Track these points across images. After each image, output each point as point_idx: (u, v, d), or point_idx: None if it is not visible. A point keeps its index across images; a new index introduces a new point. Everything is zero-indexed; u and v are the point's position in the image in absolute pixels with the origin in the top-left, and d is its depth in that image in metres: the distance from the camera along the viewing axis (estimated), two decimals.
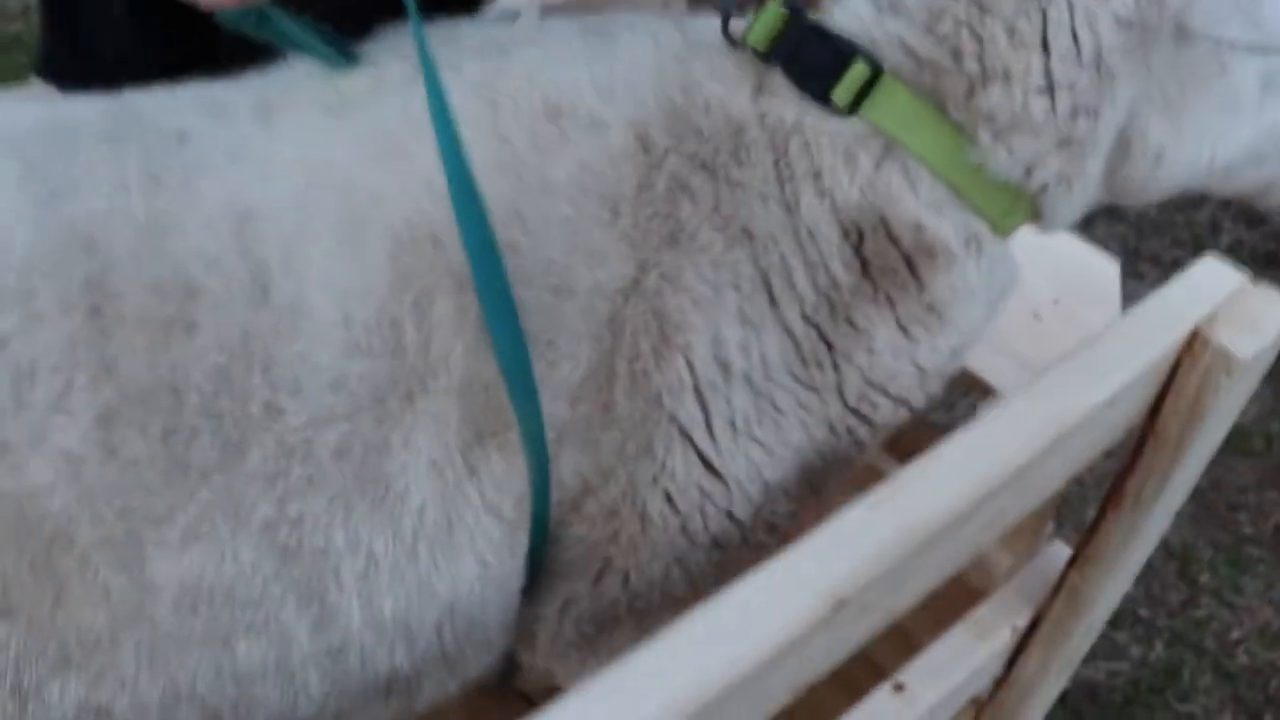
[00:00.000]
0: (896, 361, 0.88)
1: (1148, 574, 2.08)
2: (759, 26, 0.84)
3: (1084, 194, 0.89)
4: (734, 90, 0.84)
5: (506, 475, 0.81)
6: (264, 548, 0.75)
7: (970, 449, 0.75)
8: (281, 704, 0.80)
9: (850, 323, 0.86)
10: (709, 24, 0.88)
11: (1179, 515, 2.16)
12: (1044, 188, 0.85)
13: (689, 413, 0.84)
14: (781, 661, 0.65)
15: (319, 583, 0.78)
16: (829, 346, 0.86)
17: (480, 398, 0.79)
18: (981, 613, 1.15)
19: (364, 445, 0.77)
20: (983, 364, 1.21)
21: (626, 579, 0.89)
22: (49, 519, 0.68)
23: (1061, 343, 1.09)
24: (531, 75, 0.84)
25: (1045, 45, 0.80)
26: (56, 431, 0.68)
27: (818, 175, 0.82)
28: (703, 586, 0.92)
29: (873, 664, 1.09)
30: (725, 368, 0.84)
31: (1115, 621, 2.00)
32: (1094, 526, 1.05)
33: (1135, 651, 1.96)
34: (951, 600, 1.17)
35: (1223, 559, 2.13)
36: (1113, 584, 1.10)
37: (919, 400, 0.92)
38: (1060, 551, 1.17)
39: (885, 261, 0.84)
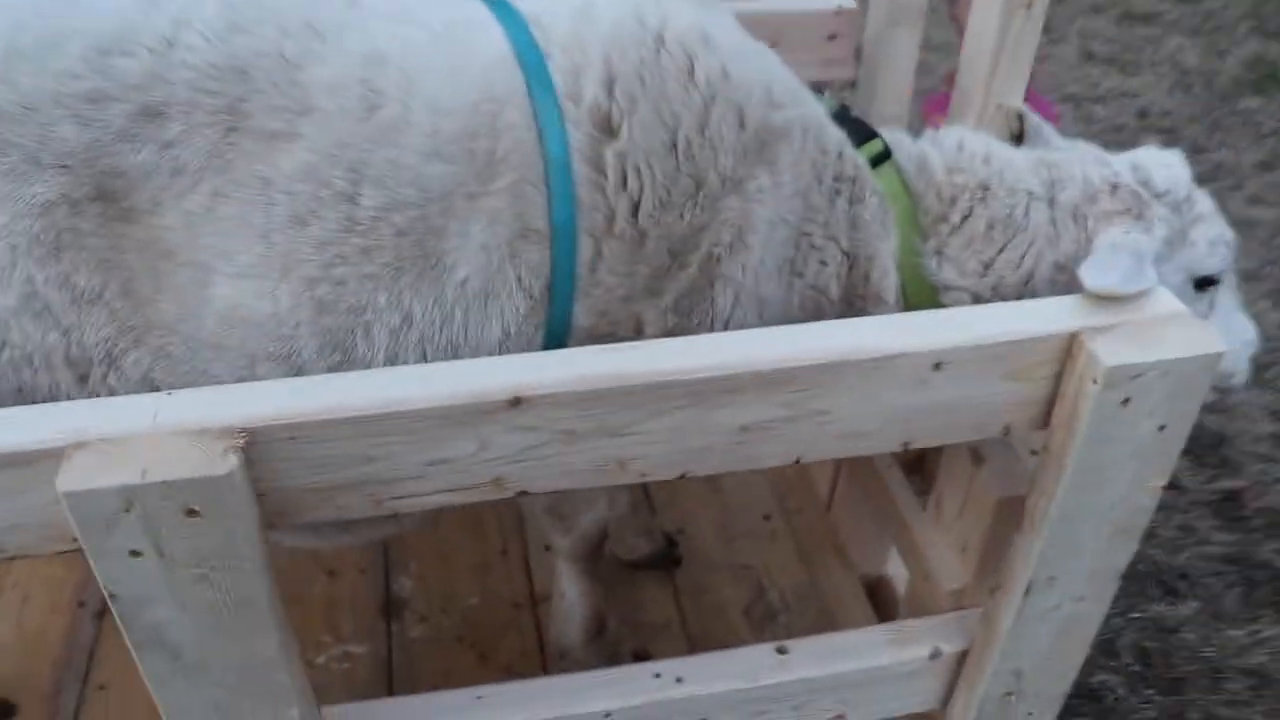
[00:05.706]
0: None
1: None
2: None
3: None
4: None
5: (540, 263, 1.02)
6: (303, 298, 0.99)
7: None
8: None
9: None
10: None
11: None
12: (946, 290, 1.16)
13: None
14: None
15: (347, 336, 1.00)
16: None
17: (530, 196, 1.00)
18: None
19: (425, 228, 0.98)
20: None
21: None
22: (164, 242, 0.95)
23: None
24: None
25: (1002, 249, 1.12)
26: (184, 203, 0.95)
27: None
28: None
29: None
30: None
31: None
32: None
33: None
34: None
35: None
36: None
37: None
38: None
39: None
